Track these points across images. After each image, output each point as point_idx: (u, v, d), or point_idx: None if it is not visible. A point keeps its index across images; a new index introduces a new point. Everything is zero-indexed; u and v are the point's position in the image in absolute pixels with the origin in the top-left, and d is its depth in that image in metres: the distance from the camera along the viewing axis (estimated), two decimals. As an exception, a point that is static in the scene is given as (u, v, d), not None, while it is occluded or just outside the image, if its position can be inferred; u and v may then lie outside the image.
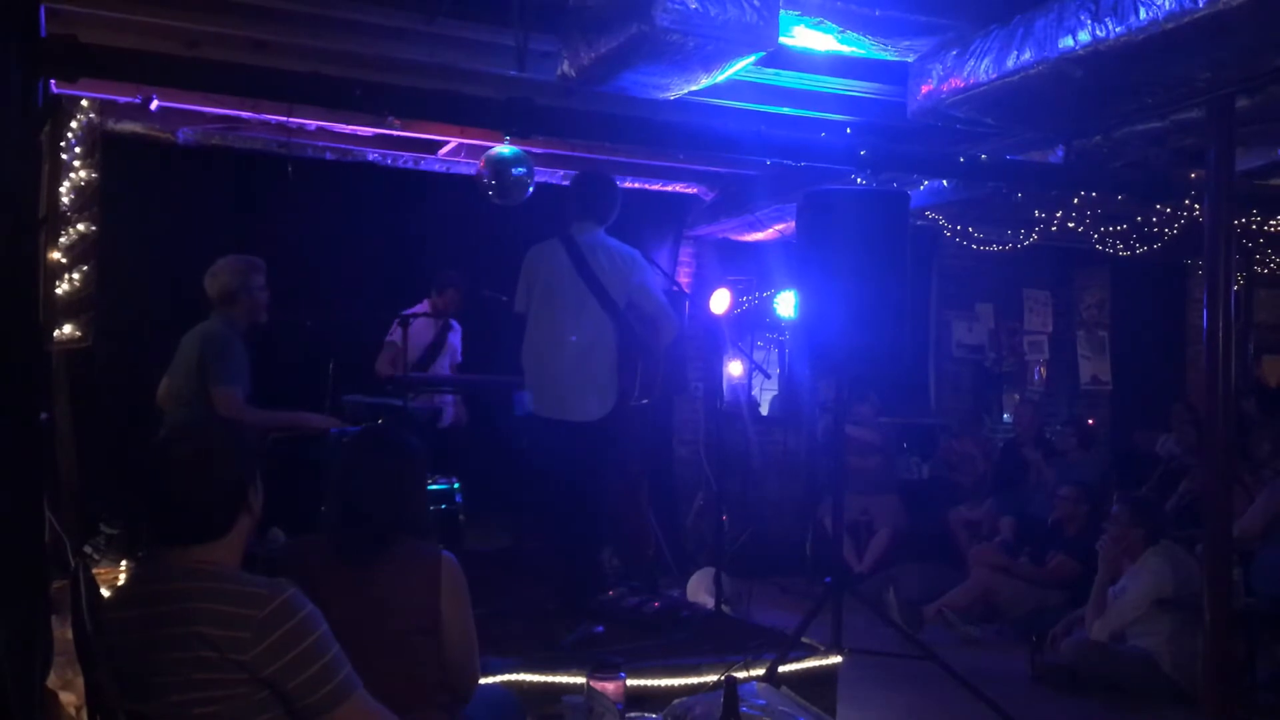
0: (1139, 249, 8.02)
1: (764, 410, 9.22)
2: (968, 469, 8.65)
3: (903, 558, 7.53)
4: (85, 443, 6.28)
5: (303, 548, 2.81)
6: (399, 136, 6.72)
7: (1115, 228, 7.69)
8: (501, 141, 6.10)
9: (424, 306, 6.90)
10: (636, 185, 7.72)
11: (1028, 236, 8.07)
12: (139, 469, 2.28)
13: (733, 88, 5.07)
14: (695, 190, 7.96)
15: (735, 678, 3.94)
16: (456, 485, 5.62)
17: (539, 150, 6.80)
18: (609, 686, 2.85)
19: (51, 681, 3.63)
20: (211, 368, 4.73)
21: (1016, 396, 9.31)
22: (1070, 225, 7.50)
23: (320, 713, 2.09)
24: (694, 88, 4.75)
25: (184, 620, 2.04)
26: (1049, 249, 8.77)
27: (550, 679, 4.17)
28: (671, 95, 4.91)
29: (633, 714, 3.07)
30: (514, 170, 6.02)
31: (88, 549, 5.67)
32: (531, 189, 6.18)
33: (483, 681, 4.03)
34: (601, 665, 2.89)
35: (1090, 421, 9.25)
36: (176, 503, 2.17)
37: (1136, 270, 9.14)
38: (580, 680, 2.91)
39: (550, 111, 4.69)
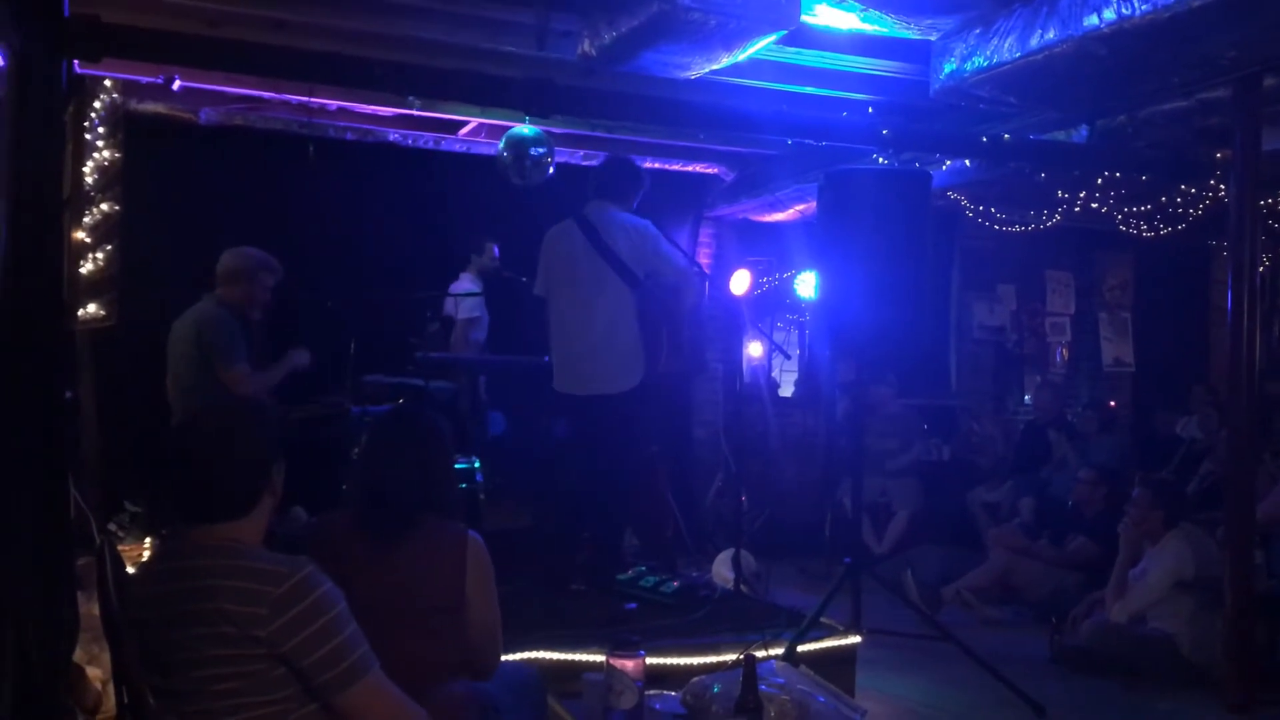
0: (1163, 230, 7.96)
1: (786, 391, 9.21)
2: (989, 451, 8.63)
3: (922, 539, 7.51)
4: (109, 421, 6.33)
5: (326, 526, 2.83)
6: (420, 117, 6.72)
7: (1139, 208, 7.63)
8: (522, 121, 6.12)
9: (467, 282, 6.94)
10: (657, 165, 7.70)
11: (1050, 217, 8.01)
12: (163, 449, 2.30)
13: (754, 67, 5.06)
14: (716, 170, 7.94)
15: (754, 656, 3.96)
16: (477, 464, 5.64)
17: (559, 130, 6.80)
18: (629, 664, 2.86)
19: (78, 656, 3.67)
20: (215, 351, 4.79)
21: (1038, 378, 9.26)
22: (1093, 206, 7.44)
23: (335, 690, 2.10)
24: (715, 67, 4.73)
25: (205, 597, 2.06)
26: (1072, 230, 8.70)
27: (571, 657, 4.20)
28: (692, 74, 4.91)
29: (652, 691, 3.09)
30: (534, 150, 6.03)
31: (112, 526, 5.72)
32: (552, 169, 6.20)
33: (504, 659, 4.10)
34: (621, 643, 2.91)
35: (1112, 403, 9.19)
36: (200, 482, 2.19)
37: (1160, 251, 9.06)
38: (600, 658, 2.93)
39: (570, 91, 4.69)
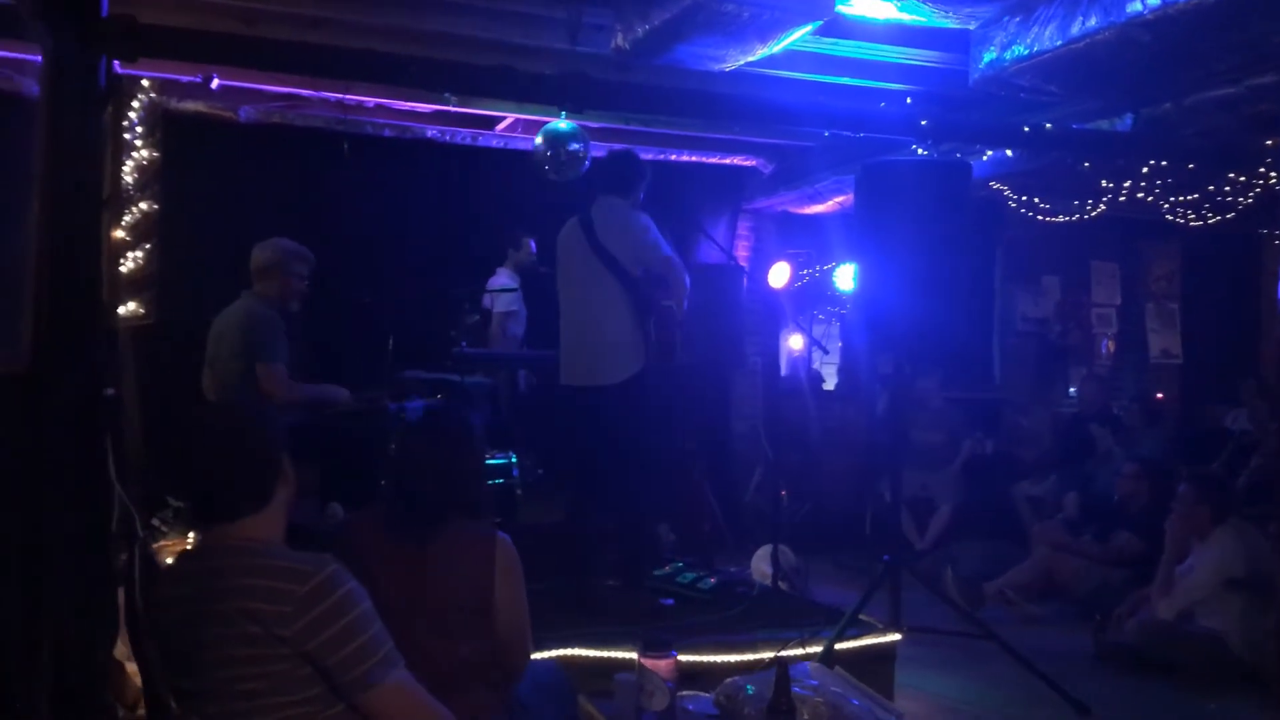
0: (1211, 219, 7.81)
1: (829, 385, 9.14)
2: (1034, 445, 8.51)
3: (964, 535, 7.42)
4: (152, 418, 6.39)
5: (358, 524, 2.82)
6: (457, 113, 6.73)
7: (1186, 197, 7.49)
8: (558, 116, 6.10)
9: (504, 278, 6.95)
10: (694, 159, 7.67)
11: (1095, 207, 7.88)
12: (172, 451, 2.30)
13: (789, 58, 5.01)
14: (754, 163, 7.89)
15: (788, 658, 3.92)
16: (514, 459, 5.64)
17: (596, 125, 6.79)
18: (660, 664, 2.83)
19: (118, 652, 3.69)
20: (257, 346, 4.78)
21: (1083, 370, 9.12)
22: (1139, 195, 7.31)
23: (359, 690, 2.09)
24: (750, 59, 4.69)
25: (228, 597, 2.06)
26: (1117, 220, 8.55)
27: (604, 654, 4.18)
28: (727, 67, 4.87)
29: (685, 691, 3.06)
30: (570, 145, 6.02)
31: (155, 521, 5.77)
32: (587, 164, 6.18)
33: (534, 657, 4.09)
34: (653, 643, 2.87)
35: (1159, 396, 9.05)
36: (210, 481, 2.19)
37: (1208, 241, 8.89)
38: (634, 656, 2.90)
39: (604, 85, 4.65)
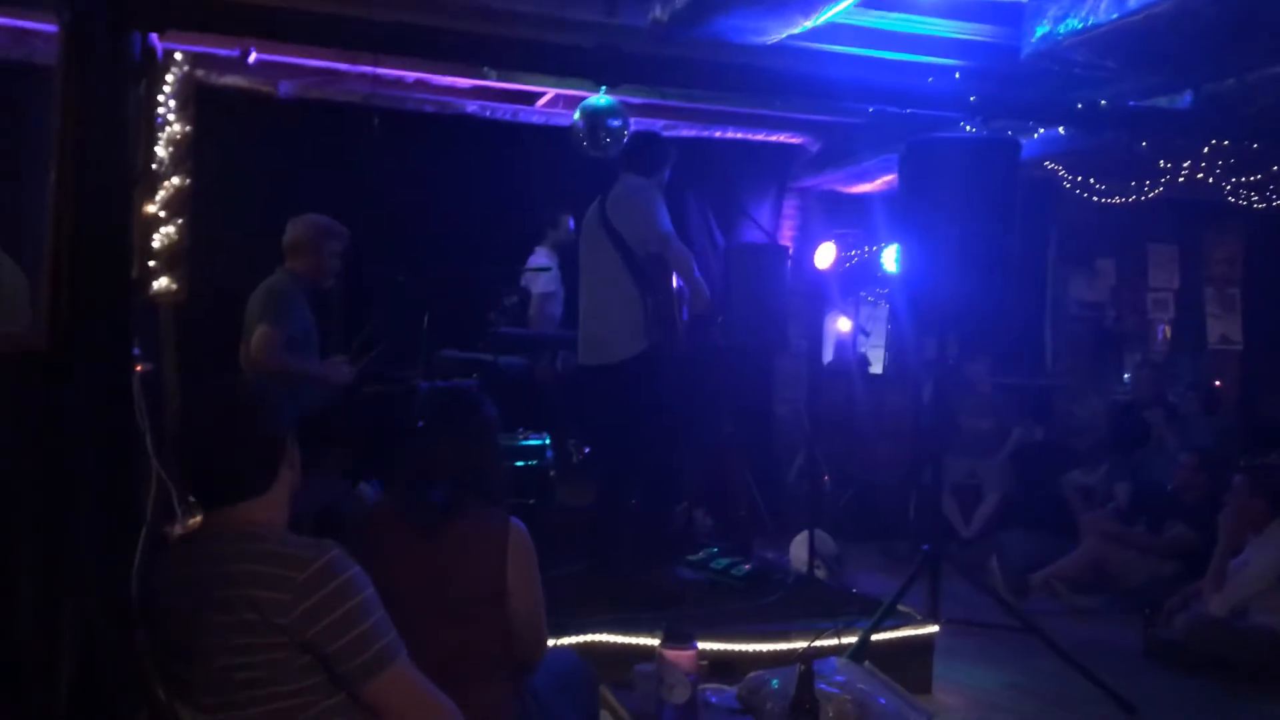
0: (1275, 201, 7.53)
1: (877, 368, 8.97)
2: (1086, 433, 8.29)
3: (1011, 523, 7.25)
4: (190, 394, 6.37)
5: (373, 509, 2.76)
6: (497, 88, 6.64)
7: (1249, 178, 7.22)
8: (597, 91, 5.99)
9: (542, 257, 6.87)
10: (738, 136, 7.53)
11: (1153, 188, 7.63)
12: (171, 435, 2.24)
13: (833, 31, 4.87)
14: (800, 140, 7.72)
15: (819, 648, 3.81)
16: (548, 441, 5.56)
17: (638, 101, 6.66)
18: (681, 656, 2.74)
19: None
20: (266, 312, 4.72)
21: (1138, 356, 8.87)
22: (1199, 177, 7.06)
23: (360, 679, 2.01)
24: (792, 31, 4.57)
25: (227, 583, 1.99)
26: (1176, 201, 8.29)
27: (631, 641, 4.10)
28: (769, 40, 4.74)
29: (708, 685, 2.97)
30: (609, 121, 5.91)
31: (193, 498, 5.77)
32: (627, 140, 6.06)
33: (559, 643, 4.01)
34: (674, 634, 2.78)
35: (1217, 384, 8.78)
36: (211, 463, 2.12)
37: (1272, 223, 8.57)
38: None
39: (640, 58, 4.51)
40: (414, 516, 2.59)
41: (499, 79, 6.29)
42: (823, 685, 2.67)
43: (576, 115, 5.99)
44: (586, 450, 6.20)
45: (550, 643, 3.93)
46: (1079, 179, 7.59)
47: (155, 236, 5.03)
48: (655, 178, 5.03)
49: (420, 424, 2.72)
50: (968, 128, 5.32)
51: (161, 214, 5.15)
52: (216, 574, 2.01)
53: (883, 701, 2.68)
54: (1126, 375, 8.88)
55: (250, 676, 1.98)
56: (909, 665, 4.48)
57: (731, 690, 2.91)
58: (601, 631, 4.19)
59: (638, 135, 5.25)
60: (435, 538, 2.55)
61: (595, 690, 2.89)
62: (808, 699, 2.54)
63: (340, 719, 2.03)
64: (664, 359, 4.87)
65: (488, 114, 6.95)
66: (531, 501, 5.35)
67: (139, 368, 5.59)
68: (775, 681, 2.82)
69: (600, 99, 5.99)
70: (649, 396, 4.88)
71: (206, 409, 2.18)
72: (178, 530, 4.71)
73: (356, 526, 2.67)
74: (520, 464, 5.43)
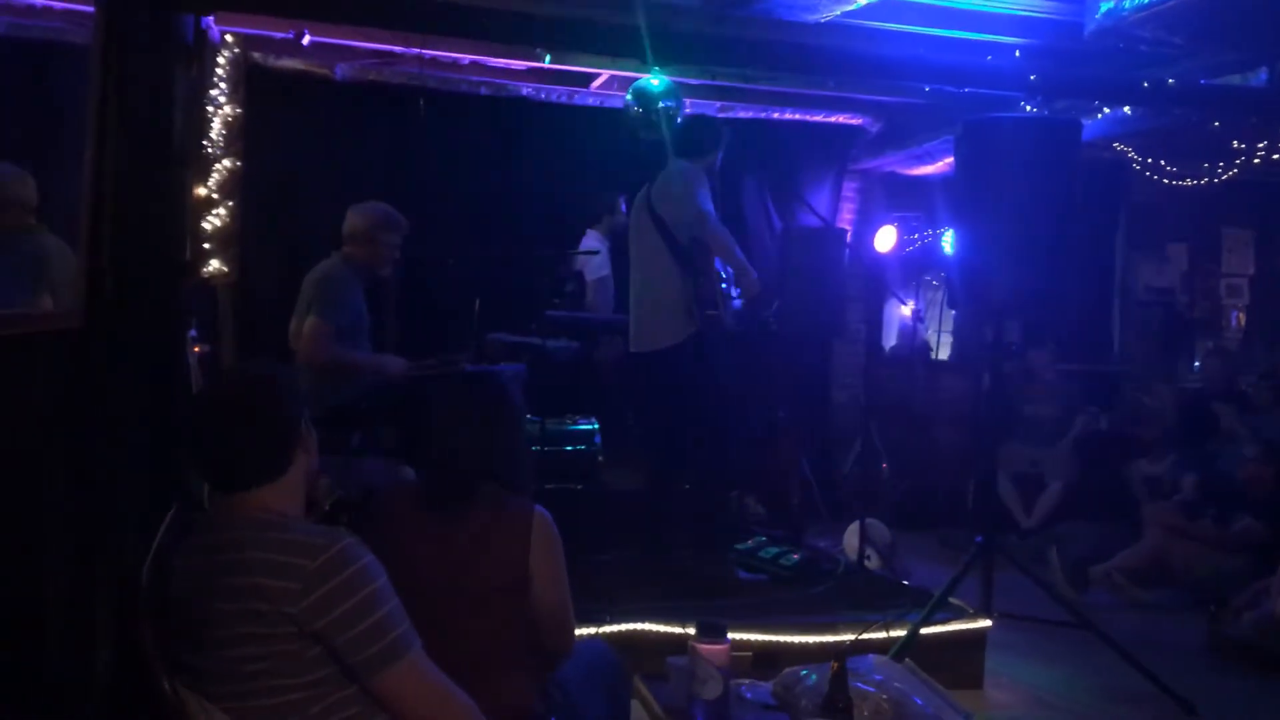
0: (1358, 183, 7.25)
1: (942, 354, 8.81)
2: (1155, 422, 8.05)
3: (1074, 514, 7.07)
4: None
5: (394, 495, 2.71)
6: (552, 70, 6.60)
7: (1329, 159, 6.95)
8: (650, 72, 5.92)
9: (593, 240, 6.82)
10: (796, 117, 7.41)
11: (1226, 169, 7.37)
12: (182, 419, 2.21)
13: (889, 8, 4.75)
14: (860, 121, 7.57)
15: (856, 643, 3.72)
16: (596, 426, 5.52)
17: (694, 82, 6.58)
18: (714, 651, 2.67)
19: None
20: (315, 302, 4.71)
21: (1210, 344, 8.60)
22: (1275, 158, 6.80)
23: (372, 671, 1.97)
24: (846, 8, 4.46)
25: (239, 570, 1.96)
26: (1252, 184, 8.00)
27: (673, 630, 4.03)
28: (821, 17, 4.64)
29: (743, 681, 2.90)
30: (661, 102, 5.84)
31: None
32: (680, 122, 5.98)
33: (600, 631, 3.97)
34: (706, 627, 2.72)
35: (1293, 373, 8.47)
36: (224, 447, 2.08)
37: (1355, 208, 8.28)
38: (703, 634, 2.73)
39: (690, 37, 4.45)
40: (436, 502, 2.54)
41: (553, 61, 6.24)
42: (859, 684, 2.60)
43: (628, 96, 5.94)
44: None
45: (588, 632, 3.94)
46: (1148, 161, 7.36)
47: (209, 218, 5.06)
48: (706, 160, 4.95)
49: (439, 409, 2.67)
50: (1029, 108, 5.16)
51: (215, 196, 5.19)
52: (227, 561, 1.98)
53: (920, 702, 2.59)
54: (1197, 363, 8.62)
55: (260, 667, 1.94)
56: (960, 660, 4.37)
57: (767, 685, 2.83)
58: (645, 620, 4.13)
59: (690, 118, 5.20)
60: (456, 523, 2.50)
61: (626, 682, 2.83)
62: (841, 697, 2.47)
63: (353, 711, 1.99)
64: (711, 344, 4.80)
65: (542, 96, 6.92)
66: (579, 486, 5.33)
67: (196, 349, 5.65)
68: (812, 677, 2.74)
69: (652, 80, 5.91)
70: (697, 382, 4.82)
71: (218, 393, 2.15)
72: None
73: (380, 512, 2.63)
74: (569, 449, 5.40)
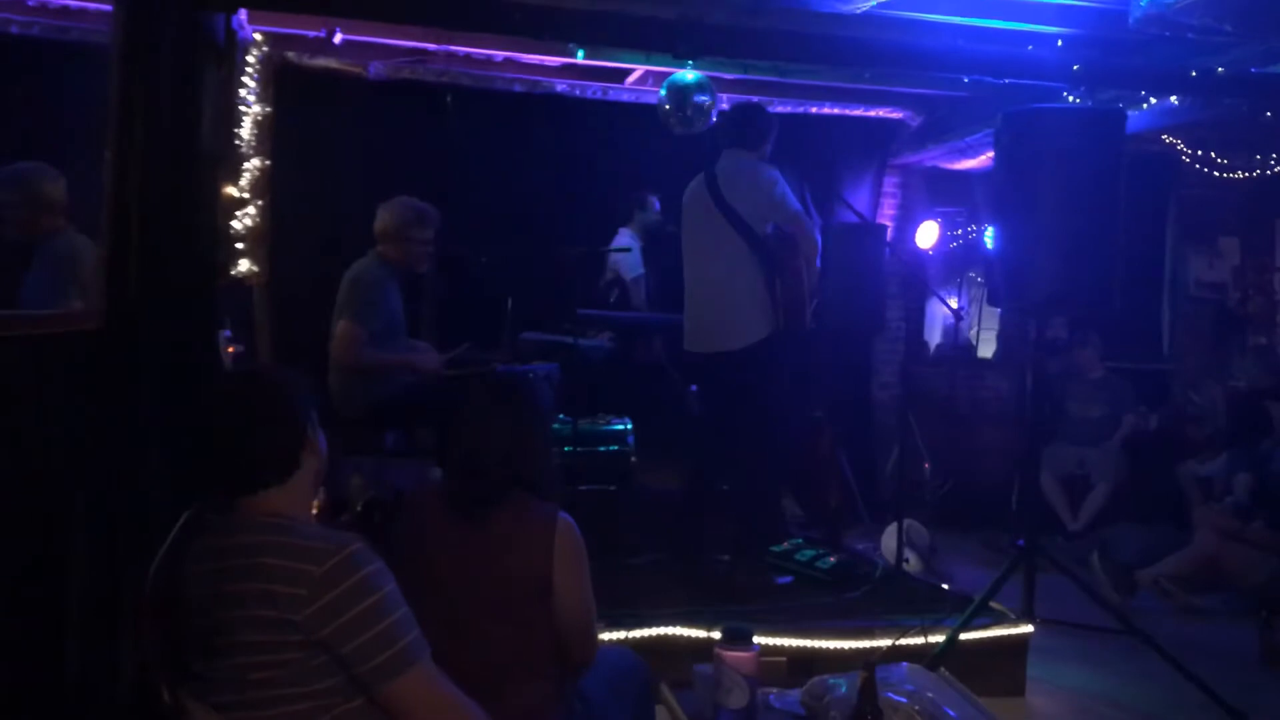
0: None
1: (986, 352, 8.65)
2: (1206, 420, 7.85)
3: (1121, 516, 6.91)
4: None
5: (422, 495, 2.65)
6: (586, 66, 6.53)
7: (1388, 150, 6.74)
8: (685, 67, 5.84)
9: (626, 238, 6.75)
10: (835, 111, 7.28)
11: (1280, 162, 7.18)
12: (187, 420, 2.17)
13: (927, -2, 4.63)
14: (900, 115, 7.43)
15: (897, 646, 3.61)
16: (629, 425, 5.44)
17: (730, 77, 6.49)
18: (739, 658, 2.59)
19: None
20: (348, 305, 4.67)
21: (1263, 340, 8.36)
22: (1331, 149, 6.61)
23: (378, 681, 1.91)
24: (884, -1, 4.34)
25: (247, 576, 1.91)
26: (1308, 176, 7.77)
27: (707, 635, 3.96)
28: (859, 8, 4.55)
29: (770, 689, 2.82)
30: (695, 97, 5.76)
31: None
32: (714, 117, 5.90)
33: (626, 637, 3.90)
34: (732, 634, 2.64)
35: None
36: (230, 449, 2.04)
37: None
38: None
39: (722, 30, 4.35)
40: (459, 505, 2.49)
41: (587, 56, 6.17)
42: (890, 694, 2.51)
43: (662, 91, 5.86)
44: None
45: (617, 637, 3.87)
46: (1198, 153, 7.18)
47: (241, 218, 5.04)
48: (759, 151, 4.82)
49: (463, 409, 2.60)
50: (1073, 99, 5.02)
51: (246, 196, 5.17)
52: (239, 567, 1.93)
53: (953, 714, 2.49)
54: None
55: (266, 676, 1.89)
56: (1001, 666, 4.27)
57: (796, 693, 2.75)
58: (676, 624, 4.06)
59: (741, 107, 5.00)
60: (479, 527, 2.44)
61: (650, 692, 2.75)
62: (870, 708, 2.38)
63: None
64: (785, 344, 4.67)
65: (577, 93, 6.85)
66: (613, 488, 5.25)
67: (230, 349, 5.63)
68: (843, 687, 2.65)
69: (688, 75, 5.83)
70: (768, 384, 4.69)
71: (222, 396, 2.11)
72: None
73: (406, 508, 2.58)
74: (602, 449, 5.33)
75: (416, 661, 1.94)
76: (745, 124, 4.88)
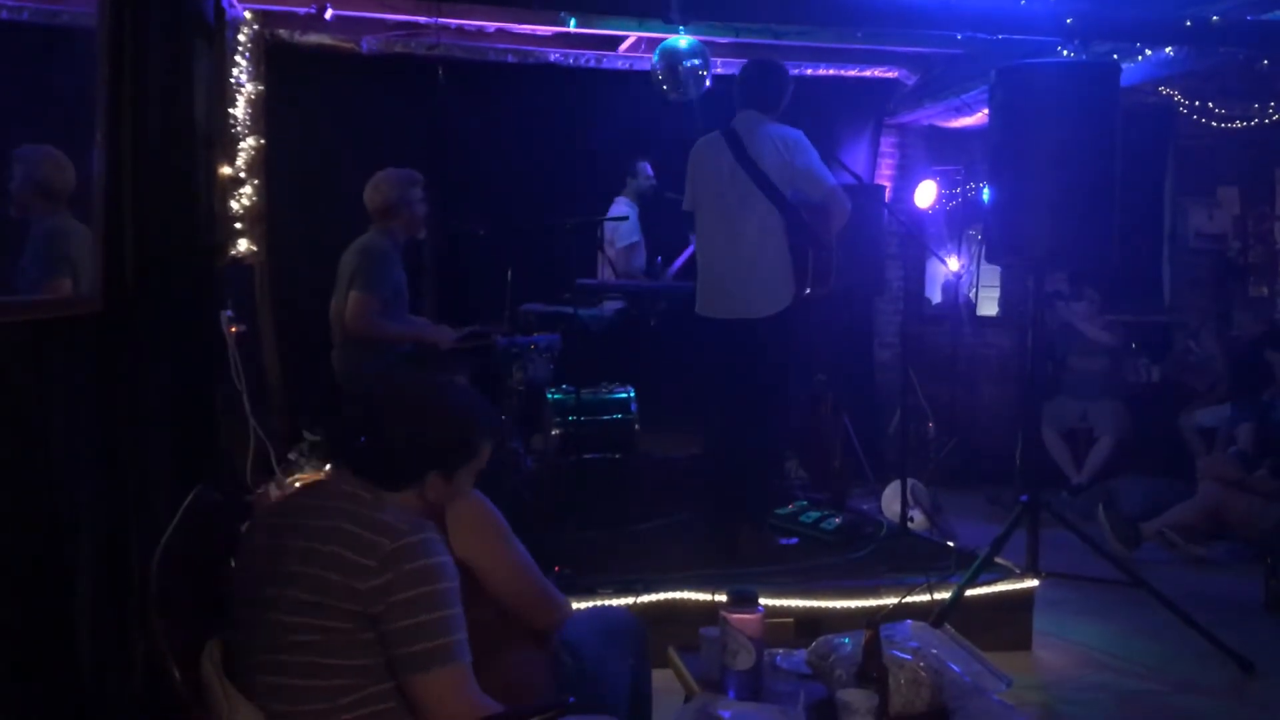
0: None
1: (988, 310, 8.64)
2: (1206, 370, 7.85)
3: (1126, 468, 6.93)
4: (289, 353, 6.42)
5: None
6: (578, 34, 6.50)
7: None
8: (678, 33, 5.81)
9: (623, 206, 6.74)
10: (831, 72, 7.25)
11: (1278, 110, 7.13)
12: (351, 397, 2.22)
13: (917, -45, 4.58)
14: (895, 74, 7.40)
15: (904, 604, 3.63)
16: (632, 394, 5.46)
17: (723, 40, 6.45)
18: (744, 620, 2.61)
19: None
20: (358, 276, 4.66)
21: (1264, 290, 8.35)
22: (1329, 95, 6.57)
23: (409, 669, 1.92)
24: (872, -44, 4.30)
25: (324, 537, 1.95)
26: (1306, 123, 7.73)
27: (715, 598, 3.98)
28: (848, -32, 4.49)
29: (777, 650, 2.84)
30: (688, 62, 5.73)
31: (292, 455, 5.82)
32: (709, 82, 5.87)
33: (634, 602, 3.93)
34: (738, 596, 2.65)
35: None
36: (364, 447, 2.09)
37: None
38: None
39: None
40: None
41: (579, 25, 6.14)
42: (895, 651, 2.52)
43: (655, 58, 5.83)
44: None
45: (625, 602, 3.90)
46: (1195, 103, 7.15)
47: (235, 197, 5.04)
48: (776, 112, 4.73)
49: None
50: (1067, 53, 4.99)
51: (242, 175, 5.16)
52: (319, 527, 1.98)
53: (957, 669, 2.52)
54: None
55: (307, 640, 1.91)
56: (1007, 621, 4.31)
57: (802, 653, 2.77)
58: (682, 589, 4.09)
59: (760, 64, 4.86)
60: None
61: (646, 649, 2.73)
62: (875, 666, 2.40)
63: (382, 707, 1.95)
64: (808, 312, 4.64)
65: (570, 61, 6.83)
66: (617, 456, 5.27)
67: (233, 329, 5.63)
68: (847, 645, 2.67)
69: (681, 40, 5.80)
70: (786, 353, 4.66)
71: (394, 394, 2.16)
72: (273, 490, 4.76)
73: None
74: (605, 418, 5.34)
75: (451, 662, 1.94)
76: (764, 83, 4.76)
